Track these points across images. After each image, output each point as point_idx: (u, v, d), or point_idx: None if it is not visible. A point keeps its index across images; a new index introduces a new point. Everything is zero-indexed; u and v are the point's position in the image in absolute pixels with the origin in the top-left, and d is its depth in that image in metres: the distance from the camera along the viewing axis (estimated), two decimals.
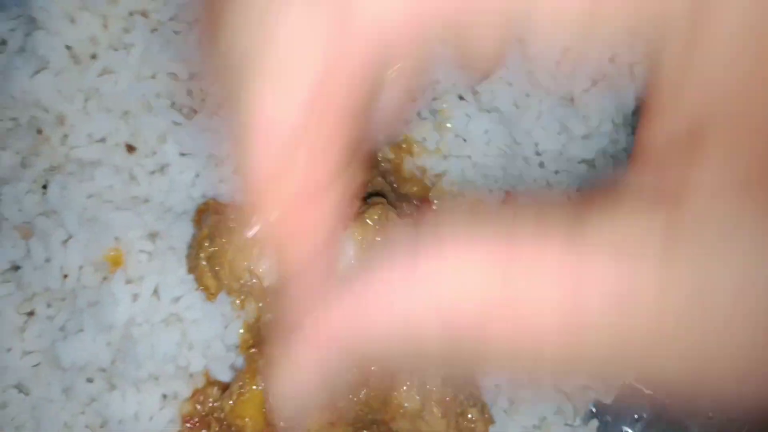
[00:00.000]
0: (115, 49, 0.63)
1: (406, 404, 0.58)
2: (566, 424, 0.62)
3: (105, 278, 0.57)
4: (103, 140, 0.63)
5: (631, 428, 0.66)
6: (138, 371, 0.56)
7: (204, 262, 0.57)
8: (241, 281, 0.57)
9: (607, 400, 0.65)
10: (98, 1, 0.62)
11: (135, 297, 0.57)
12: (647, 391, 0.66)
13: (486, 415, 0.59)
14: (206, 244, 0.57)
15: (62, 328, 0.59)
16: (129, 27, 0.63)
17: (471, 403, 0.59)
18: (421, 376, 0.58)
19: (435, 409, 0.57)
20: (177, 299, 0.57)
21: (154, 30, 0.64)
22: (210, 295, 0.58)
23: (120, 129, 0.62)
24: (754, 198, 0.22)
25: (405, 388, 0.58)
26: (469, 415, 0.58)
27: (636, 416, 0.66)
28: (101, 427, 0.59)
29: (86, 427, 0.59)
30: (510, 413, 0.61)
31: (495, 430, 0.59)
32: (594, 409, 0.65)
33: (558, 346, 0.23)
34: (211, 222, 0.58)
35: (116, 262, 0.57)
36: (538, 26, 0.23)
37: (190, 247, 0.59)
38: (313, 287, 0.27)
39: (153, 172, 0.62)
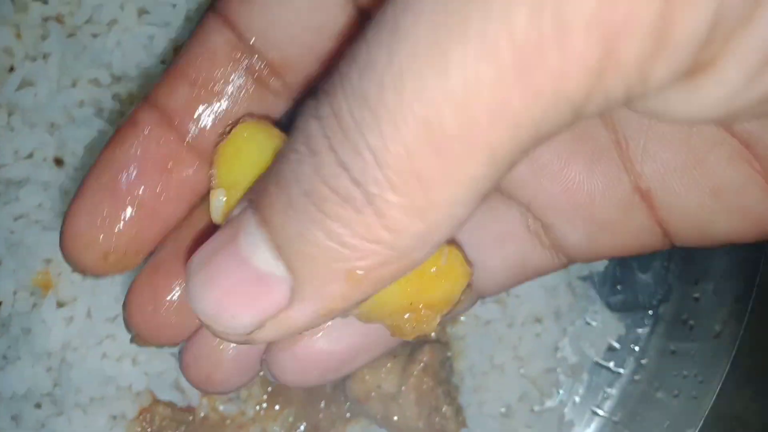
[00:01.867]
0: (33, 59, 0.60)
1: (382, 385, 0.55)
2: (531, 411, 0.60)
3: (35, 305, 0.55)
4: (30, 156, 0.60)
5: (600, 407, 0.63)
6: (77, 396, 0.54)
7: None
8: None
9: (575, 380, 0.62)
10: (7, 10, 0.59)
11: (68, 320, 0.55)
12: (614, 370, 0.64)
13: (460, 418, 0.57)
14: None
15: (4, 357, 0.57)
16: (44, 34, 0.60)
17: (447, 401, 0.56)
18: (403, 361, 0.55)
19: (411, 395, 0.55)
20: (113, 319, 0.55)
21: (70, 35, 0.60)
22: None
23: (47, 143, 0.60)
24: None
25: (385, 369, 0.56)
26: (443, 410, 0.56)
27: (604, 394, 0.64)
28: None
29: None
30: (476, 403, 0.58)
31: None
32: (560, 391, 0.62)
33: None
34: None
35: (46, 286, 0.55)
36: None
37: None
38: None
39: None
